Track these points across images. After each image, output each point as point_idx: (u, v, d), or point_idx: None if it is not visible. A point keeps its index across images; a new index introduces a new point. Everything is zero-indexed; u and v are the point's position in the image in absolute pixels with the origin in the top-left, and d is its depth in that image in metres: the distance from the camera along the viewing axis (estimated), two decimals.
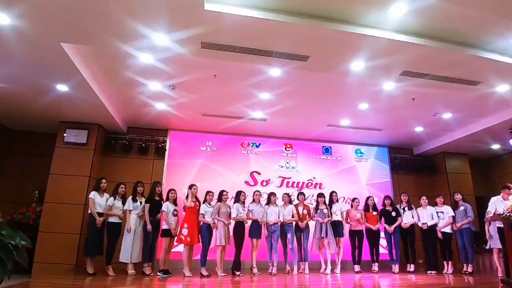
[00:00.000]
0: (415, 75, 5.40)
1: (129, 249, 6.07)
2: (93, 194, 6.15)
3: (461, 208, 6.93)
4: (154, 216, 6.20)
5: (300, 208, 6.95)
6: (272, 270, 6.43)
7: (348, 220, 7.21)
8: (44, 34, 4.24)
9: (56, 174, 6.97)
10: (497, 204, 5.74)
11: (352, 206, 7.41)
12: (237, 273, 6.19)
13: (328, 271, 6.71)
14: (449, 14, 4.17)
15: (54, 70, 5.15)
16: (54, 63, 4.92)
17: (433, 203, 7.31)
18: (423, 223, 7.11)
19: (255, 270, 6.35)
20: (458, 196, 7.12)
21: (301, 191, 7.83)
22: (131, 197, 6.30)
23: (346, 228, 7.23)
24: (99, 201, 6.15)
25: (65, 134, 7.18)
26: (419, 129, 8.23)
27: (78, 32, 4.26)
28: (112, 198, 6.25)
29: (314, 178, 8.85)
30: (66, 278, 5.75)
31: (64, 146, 7.16)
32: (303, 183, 8.74)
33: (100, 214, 6.07)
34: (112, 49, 4.75)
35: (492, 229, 6.26)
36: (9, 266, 2.99)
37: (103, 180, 6.31)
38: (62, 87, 5.70)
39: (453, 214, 6.96)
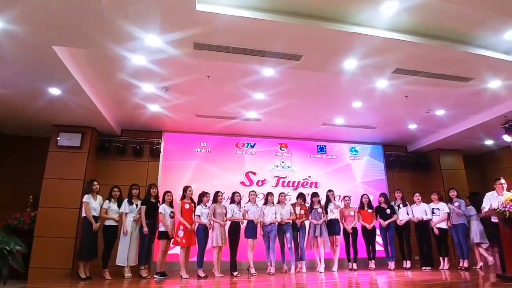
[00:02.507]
0: (408, 72, 5.43)
1: (125, 252, 6.04)
2: (87, 198, 6.09)
3: (456, 204, 7.00)
4: (151, 218, 6.18)
5: (298, 209, 6.95)
6: (269, 269, 6.43)
7: (343, 220, 7.23)
8: (35, 38, 4.21)
9: (50, 178, 6.91)
10: (492, 200, 5.78)
11: (344, 204, 7.42)
12: (234, 273, 6.19)
13: (322, 269, 6.72)
14: (440, 11, 4.20)
15: (47, 73, 5.12)
16: (46, 66, 4.89)
17: (428, 200, 7.36)
18: (416, 217, 7.18)
19: (252, 270, 6.34)
20: (453, 193, 7.17)
21: (301, 192, 7.66)
22: (126, 199, 6.27)
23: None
24: (93, 205, 6.09)
25: (58, 138, 7.12)
26: (412, 126, 8.27)
27: (70, 35, 4.24)
28: (107, 201, 6.22)
29: (310, 177, 8.86)
30: (62, 283, 5.71)
31: (58, 150, 7.11)
32: (298, 182, 8.75)
33: (95, 218, 6.03)
34: (104, 52, 4.73)
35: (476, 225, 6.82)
36: (4, 271, 2.98)
37: (95, 182, 6.26)
38: (54, 91, 5.66)
39: (448, 211, 7.02)
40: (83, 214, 6.07)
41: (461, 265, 6.81)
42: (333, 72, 5.45)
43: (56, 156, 7.08)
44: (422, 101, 6.76)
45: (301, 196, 7.20)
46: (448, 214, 7.02)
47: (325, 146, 9.24)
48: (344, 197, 7.55)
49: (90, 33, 4.21)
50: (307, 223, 7.00)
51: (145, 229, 6.05)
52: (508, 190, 5.86)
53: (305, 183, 8.77)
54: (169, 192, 6.43)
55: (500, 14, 4.20)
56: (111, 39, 4.35)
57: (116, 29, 4.10)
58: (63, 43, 4.48)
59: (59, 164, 7.03)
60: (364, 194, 7.64)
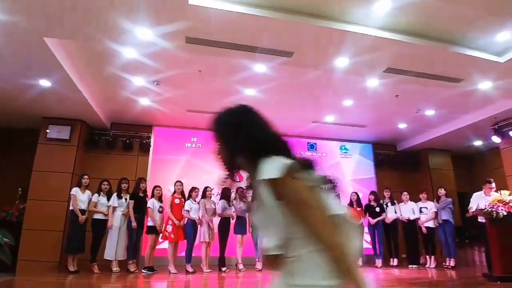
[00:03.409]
0: (399, 72, 5.44)
1: (114, 246, 6.01)
2: (75, 191, 6.06)
3: (443, 202, 7.08)
4: (139, 213, 6.15)
5: None
6: (257, 266, 6.44)
7: None
8: (27, 29, 4.14)
9: (39, 170, 6.84)
10: (479, 200, 5.84)
11: None
12: (223, 269, 6.20)
13: None
14: (433, 12, 4.21)
15: (37, 65, 5.05)
16: (37, 58, 4.82)
17: (416, 199, 7.44)
18: (403, 217, 7.26)
19: (240, 266, 6.36)
20: (441, 191, 7.25)
21: None
22: (115, 193, 6.23)
23: None
24: (81, 198, 6.06)
25: (48, 130, 7.04)
26: (402, 125, 8.33)
27: (61, 26, 4.17)
28: (96, 194, 6.18)
29: None
30: (50, 276, 5.67)
31: (47, 143, 7.03)
32: None
33: (82, 211, 5.99)
34: (95, 44, 4.69)
35: None
36: None
37: (85, 176, 6.23)
38: (45, 83, 5.59)
39: (436, 210, 7.10)
40: (71, 207, 6.04)
41: (447, 263, 6.90)
42: (325, 70, 5.44)
43: (45, 149, 7.00)
44: (413, 100, 6.81)
45: None
46: (436, 213, 7.10)
47: (315, 143, 9.27)
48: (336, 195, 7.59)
49: (80, 25, 4.16)
50: None
51: (134, 223, 6.02)
52: (495, 191, 5.93)
53: None
54: (158, 186, 6.40)
55: (491, 14, 4.21)
56: (101, 31, 4.30)
57: (107, 21, 4.05)
58: (55, 35, 4.42)
59: (48, 156, 6.96)
60: (353, 192, 7.69)
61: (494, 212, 5.03)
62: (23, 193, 7.01)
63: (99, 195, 6.18)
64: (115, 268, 5.97)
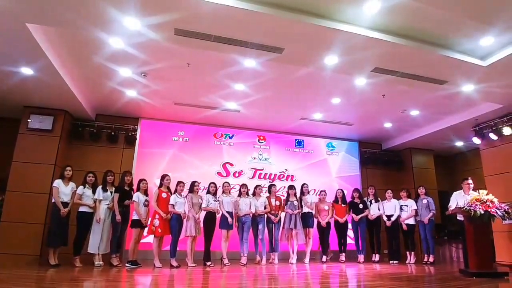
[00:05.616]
0: (386, 72, 5.52)
1: (97, 239, 5.91)
2: (57, 183, 5.91)
3: (424, 201, 7.25)
4: (123, 205, 6.07)
5: (273, 200, 7.01)
6: (242, 260, 6.47)
7: (318, 214, 7.34)
8: (8, 13, 4.02)
9: (19, 161, 6.69)
10: (458, 198, 6.00)
11: (319, 198, 7.54)
12: (208, 263, 6.19)
13: (294, 261, 6.84)
14: (421, 14, 4.28)
15: (19, 52, 4.92)
16: (18, 44, 4.69)
17: (399, 197, 7.58)
18: (387, 216, 7.39)
19: (225, 261, 6.37)
20: (422, 190, 7.42)
21: (273, 183, 7.89)
22: (101, 186, 6.12)
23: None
24: (64, 190, 5.92)
25: (29, 120, 6.88)
26: (388, 125, 8.46)
27: (45, 12, 4.06)
28: (81, 186, 6.04)
29: (286, 170, 8.95)
30: (29, 270, 5.54)
31: (28, 133, 6.87)
32: (275, 175, 8.82)
33: (64, 204, 5.87)
34: (81, 32, 4.58)
35: None
36: None
37: (68, 168, 6.07)
38: (26, 70, 5.45)
39: (416, 208, 7.27)
40: (53, 200, 5.91)
41: (426, 259, 7.08)
42: (314, 67, 5.47)
43: (26, 139, 6.85)
44: (398, 101, 6.92)
45: (273, 186, 7.26)
46: (416, 210, 7.26)
47: (303, 140, 9.34)
48: (320, 191, 7.67)
49: (66, 12, 4.06)
50: (282, 215, 7.07)
51: (118, 217, 5.94)
52: (474, 190, 6.09)
53: (281, 176, 8.86)
54: (144, 180, 6.32)
55: (476, 19, 4.31)
56: (88, 19, 4.20)
57: (93, 10, 3.97)
58: (38, 21, 4.29)
59: (29, 147, 6.80)
60: (338, 189, 7.79)
61: (472, 211, 5.16)
62: (2, 184, 6.83)
63: (84, 187, 6.06)
64: (97, 262, 5.88)
